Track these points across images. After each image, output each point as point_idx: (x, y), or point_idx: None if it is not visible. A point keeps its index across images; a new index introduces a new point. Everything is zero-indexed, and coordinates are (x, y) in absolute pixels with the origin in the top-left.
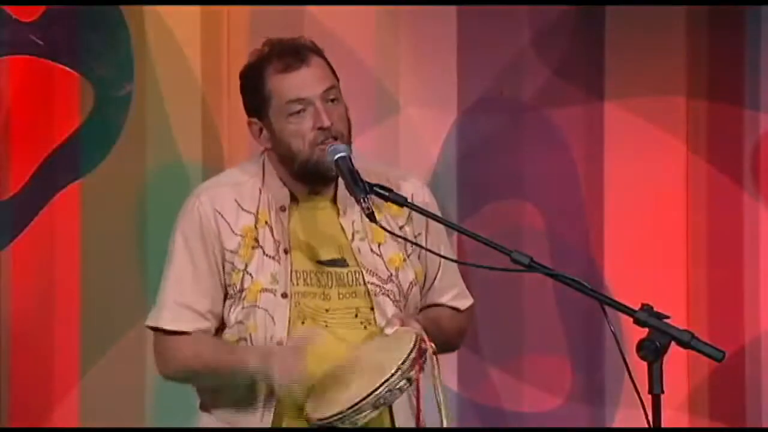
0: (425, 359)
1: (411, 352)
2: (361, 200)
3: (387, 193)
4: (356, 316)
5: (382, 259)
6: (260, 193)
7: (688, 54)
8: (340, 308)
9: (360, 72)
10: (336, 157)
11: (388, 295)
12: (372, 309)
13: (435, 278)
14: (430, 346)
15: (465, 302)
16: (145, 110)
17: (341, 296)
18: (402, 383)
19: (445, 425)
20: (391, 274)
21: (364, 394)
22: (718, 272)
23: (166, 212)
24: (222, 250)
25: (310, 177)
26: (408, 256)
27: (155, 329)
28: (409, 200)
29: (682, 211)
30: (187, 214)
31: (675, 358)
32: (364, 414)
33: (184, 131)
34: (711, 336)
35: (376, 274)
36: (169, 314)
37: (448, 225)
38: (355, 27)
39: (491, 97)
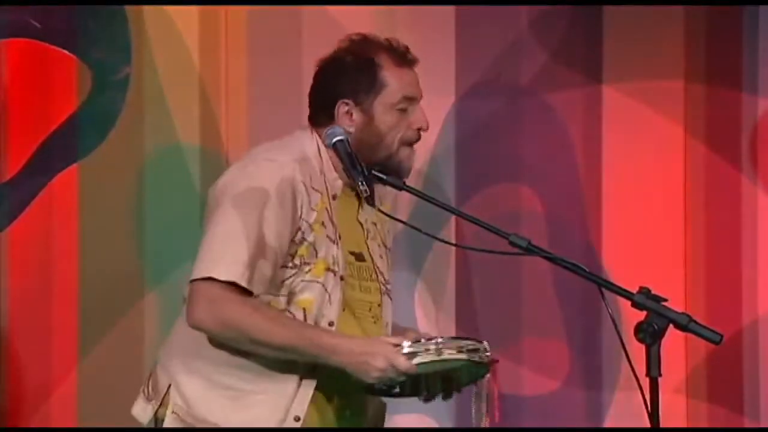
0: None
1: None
2: (360, 183)
3: (384, 177)
4: (370, 309)
5: (384, 260)
6: (321, 174)
7: (686, 38)
8: (361, 300)
9: None
10: (334, 140)
11: (389, 295)
12: (379, 305)
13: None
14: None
15: None
16: (143, 93)
17: (362, 289)
18: (484, 354)
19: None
20: (389, 275)
21: (453, 337)
22: (716, 255)
23: (164, 195)
24: (301, 221)
25: (379, 171)
26: (389, 261)
27: (224, 282)
28: (392, 203)
29: (680, 194)
30: (275, 178)
31: (673, 341)
32: (449, 351)
33: (182, 114)
34: (709, 319)
35: (383, 274)
36: (246, 272)
37: (446, 209)
38: (353, 12)
39: (489, 81)
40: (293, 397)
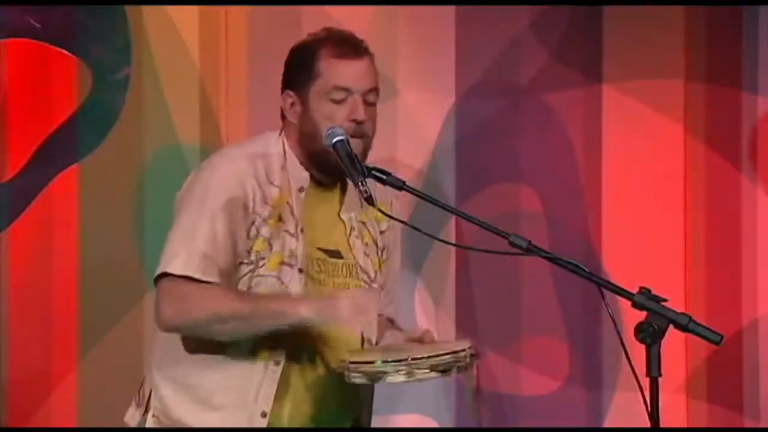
0: (474, 364)
1: (471, 348)
2: (359, 184)
3: (385, 177)
4: None
5: (370, 259)
6: (282, 169)
7: (686, 37)
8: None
9: None
10: (334, 140)
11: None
12: None
13: (389, 285)
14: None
15: (395, 310)
16: (143, 93)
17: (335, 285)
18: (462, 363)
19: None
20: (375, 274)
21: (426, 355)
22: (716, 255)
23: (164, 195)
24: (254, 216)
25: (322, 163)
26: (383, 262)
27: (180, 277)
28: (394, 205)
29: (680, 193)
30: (225, 175)
31: (673, 341)
32: (422, 370)
33: (182, 114)
34: (709, 319)
35: (367, 272)
36: (201, 265)
37: (446, 209)
38: (353, 11)
39: (489, 80)
40: (257, 395)
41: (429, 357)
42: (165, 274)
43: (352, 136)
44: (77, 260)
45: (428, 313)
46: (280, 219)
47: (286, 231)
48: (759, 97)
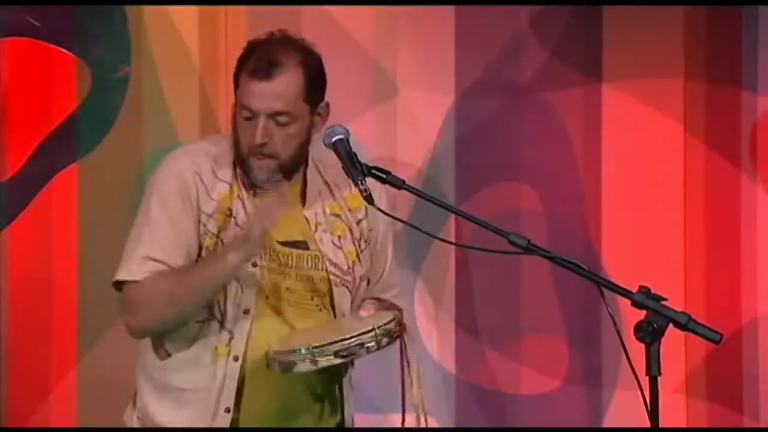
0: (399, 334)
1: (389, 322)
2: (359, 183)
3: (384, 176)
4: (312, 298)
5: (342, 251)
6: (233, 167)
7: (685, 37)
8: (298, 289)
9: (358, 55)
10: (333, 139)
11: (346, 286)
12: (325, 294)
13: (381, 275)
14: (404, 327)
15: (402, 302)
16: (143, 92)
17: (299, 278)
18: (371, 343)
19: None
20: (349, 266)
21: (331, 340)
22: (716, 254)
23: None
24: (198, 212)
25: (244, 170)
26: (361, 251)
27: (129, 283)
28: (381, 198)
29: (680, 192)
30: (166, 174)
31: (672, 340)
32: (325, 357)
33: (182, 113)
34: (708, 318)
35: (337, 265)
36: (140, 267)
37: (446, 208)
38: (354, 10)
39: (489, 79)
40: (221, 390)
41: (332, 343)
42: (118, 284)
43: (255, 156)
44: (77, 260)
45: (428, 313)
46: (230, 214)
47: (238, 226)
48: (759, 96)
